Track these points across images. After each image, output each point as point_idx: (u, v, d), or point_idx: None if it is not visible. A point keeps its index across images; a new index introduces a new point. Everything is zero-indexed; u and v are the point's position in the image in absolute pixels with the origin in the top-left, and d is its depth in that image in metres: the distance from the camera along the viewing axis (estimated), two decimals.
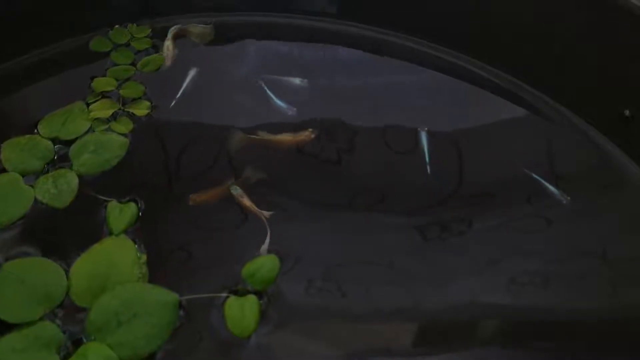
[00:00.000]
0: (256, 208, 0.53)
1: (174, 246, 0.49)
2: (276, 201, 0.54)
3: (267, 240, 0.50)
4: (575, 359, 0.46)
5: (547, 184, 0.57)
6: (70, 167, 0.53)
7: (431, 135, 0.61)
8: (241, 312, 0.45)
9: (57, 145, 0.54)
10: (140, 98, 0.60)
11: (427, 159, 0.59)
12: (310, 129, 0.60)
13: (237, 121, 0.60)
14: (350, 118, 0.62)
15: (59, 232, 0.49)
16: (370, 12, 0.72)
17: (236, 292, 0.46)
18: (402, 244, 0.53)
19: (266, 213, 0.52)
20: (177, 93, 0.63)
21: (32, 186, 0.51)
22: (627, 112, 0.57)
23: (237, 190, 0.54)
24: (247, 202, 0.53)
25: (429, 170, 0.58)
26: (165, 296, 0.44)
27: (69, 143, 0.55)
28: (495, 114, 0.65)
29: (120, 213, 0.49)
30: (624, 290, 0.51)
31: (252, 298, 0.45)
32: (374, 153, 0.60)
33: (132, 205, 0.50)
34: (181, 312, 0.44)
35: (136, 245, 0.47)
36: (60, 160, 0.54)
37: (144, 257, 0.47)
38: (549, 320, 0.49)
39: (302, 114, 0.62)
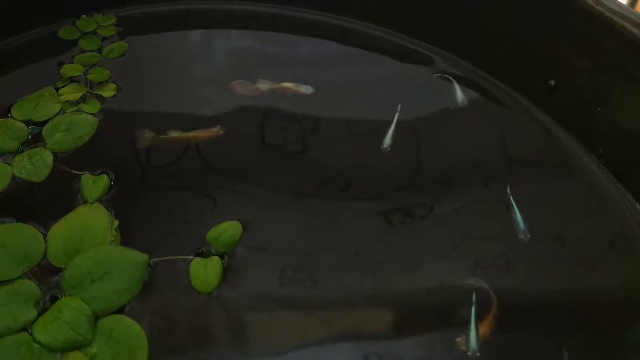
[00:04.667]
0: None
1: (144, 214, 0.58)
2: (244, 191, 0.61)
3: None
4: (537, 340, 0.52)
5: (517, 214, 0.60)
6: (45, 146, 0.61)
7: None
8: (205, 270, 0.53)
9: (30, 126, 0.63)
10: (106, 81, 0.69)
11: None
12: (219, 126, 0.66)
13: (199, 108, 0.69)
14: (313, 109, 0.70)
15: (37, 202, 0.57)
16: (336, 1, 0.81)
17: (201, 254, 0.54)
18: (368, 230, 0.59)
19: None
20: (142, 76, 0.72)
21: (9, 164, 0.59)
22: (552, 82, 0.67)
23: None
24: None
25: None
26: (135, 256, 0.53)
27: (41, 124, 0.63)
28: (449, 100, 0.72)
29: (94, 184, 0.57)
30: (581, 272, 0.58)
31: (215, 259, 0.54)
32: (337, 142, 0.67)
33: (104, 177, 0.59)
34: (150, 272, 0.53)
35: (109, 213, 0.56)
36: (34, 140, 0.62)
37: (116, 223, 0.55)
38: (512, 303, 0.54)
39: (267, 105, 0.69)
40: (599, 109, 0.62)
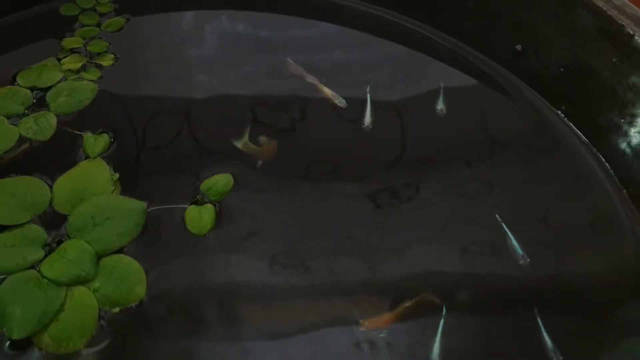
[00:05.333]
0: None
1: (142, 169, 0.62)
2: (240, 172, 0.63)
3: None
4: (524, 322, 0.54)
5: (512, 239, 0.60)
6: (48, 109, 0.66)
7: (375, 103, 0.71)
8: (199, 215, 0.58)
9: (34, 92, 0.67)
10: (105, 52, 0.74)
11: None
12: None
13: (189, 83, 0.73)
14: (301, 90, 0.73)
15: (43, 158, 0.61)
16: None
17: (196, 202, 0.59)
18: (357, 213, 0.61)
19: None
20: (138, 48, 0.76)
21: (15, 125, 0.64)
22: (518, 48, 0.72)
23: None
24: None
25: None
26: (134, 204, 0.58)
27: (45, 91, 0.67)
28: (434, 79, 0.75)
29: (95, 142, 0.62)
30: (566, 256, 0.59)
31: (209, 206, 0.59)
32: (326, 124, 0.70)
33: (105, 135, 0.63)
34: (148, 218, 0.57)
35: (109, 167, 0.60)
36: (38, 106, 0.66)
37: (116, 176, 0.60)
38: (499, 288, 0.57)
39: (258, 89, 0.73)
40: (561, 69, 0.67)
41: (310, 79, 0.73)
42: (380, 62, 0.78)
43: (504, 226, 0.60)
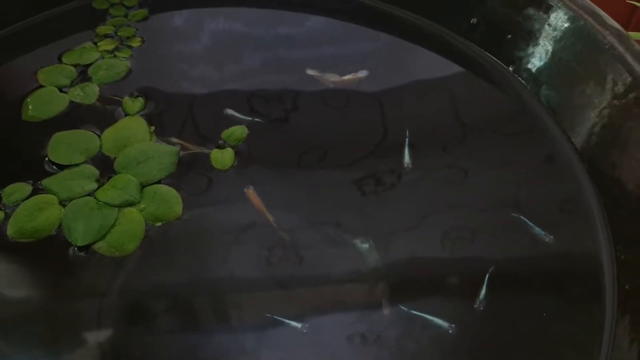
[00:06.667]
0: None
1: (173, 124, 0.75)
2: (237, 164, 0.73)
3: None
4: (505, 305, 0.58)
5: (532, 225, 0.64)
6: (91, 81, 0.79)
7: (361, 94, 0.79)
8: (222, 156, 0.71)
9: (77, 68, 0.81)
10: (133, 36, 0.87)
11: None
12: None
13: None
14: (293, 84, 0.82)
15: (91, 117, 0.74)
16: None
17: (218, 147, 0.72)
18: (345, 201, 0.67)
19: None
20: (160, 32, 0.89)
21: (66, 93, 0.77)
22: (473, 21, 0.84)
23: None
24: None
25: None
26: (169, 148, 0.71)
27: (85, 67, 0.81)
28: (411, 65, 0.86)
29: (132, 103, 0.76)
30: (540, 240, 0.63)
31: (229, 149, 0.72)
32: (315, 113, 0.77)
33: (140, 98, 0.77)
34: (181, 159, 0.70)
35: (146, 122, 0.73)
36: (81, 80, 0.79)
37: (152, 128, 0.73)
38: (479, 272, 0.60)
39: (253, 84, 0.82)
40: (509, 36, 0.81)
41: (331, 77, 0.81)
42: (362, 50, 0.87)
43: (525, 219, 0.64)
